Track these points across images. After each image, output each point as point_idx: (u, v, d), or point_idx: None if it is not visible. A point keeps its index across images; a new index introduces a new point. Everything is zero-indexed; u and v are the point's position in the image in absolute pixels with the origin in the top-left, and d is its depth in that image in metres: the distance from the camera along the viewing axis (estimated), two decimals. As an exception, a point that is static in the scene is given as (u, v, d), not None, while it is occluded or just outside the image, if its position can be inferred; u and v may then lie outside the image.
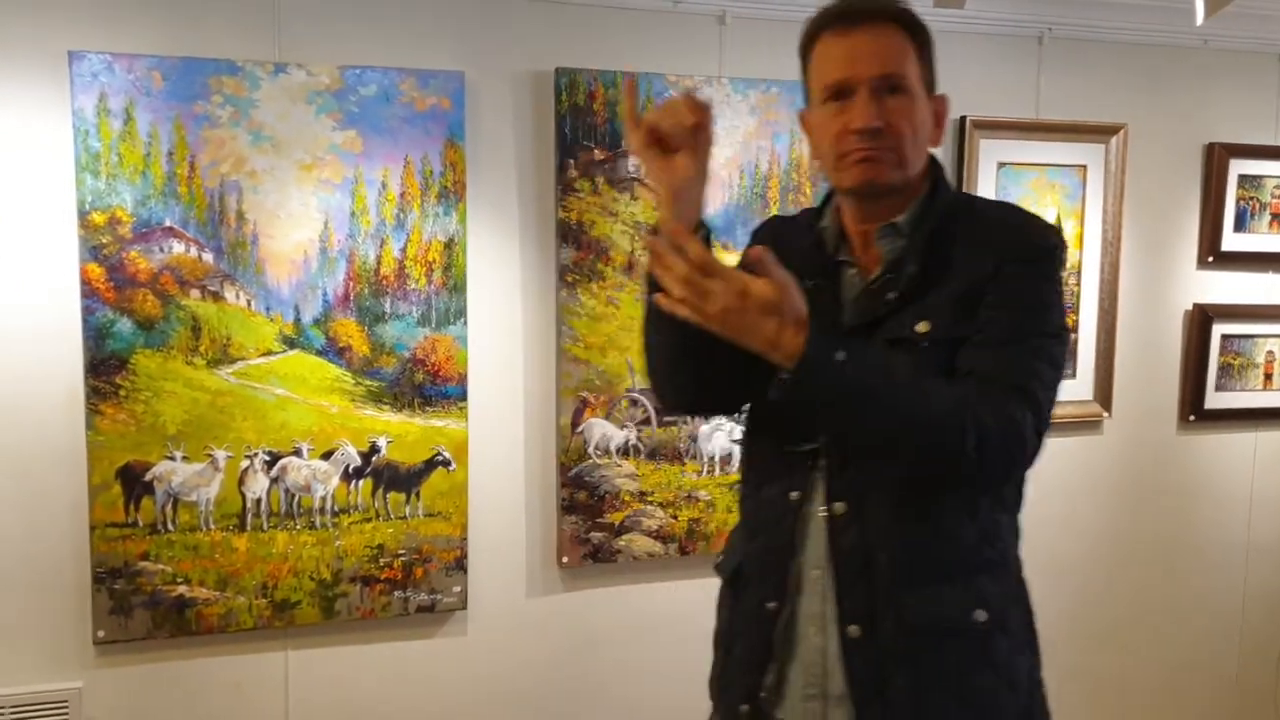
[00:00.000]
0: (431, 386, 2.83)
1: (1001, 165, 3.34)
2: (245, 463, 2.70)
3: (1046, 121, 3.37)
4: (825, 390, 1.39)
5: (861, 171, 1.53)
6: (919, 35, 1.57)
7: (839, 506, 1.55)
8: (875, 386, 1.41)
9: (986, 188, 3.32)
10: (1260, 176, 3.58)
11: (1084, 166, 3.42)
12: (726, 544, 1.86)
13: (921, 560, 1.53)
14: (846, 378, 1.39)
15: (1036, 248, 1.57)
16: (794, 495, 1.60)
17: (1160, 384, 3.61)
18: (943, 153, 3.38)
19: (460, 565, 2.88)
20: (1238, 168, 3.56)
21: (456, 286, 2.83)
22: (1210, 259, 3.58)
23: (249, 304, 2.68)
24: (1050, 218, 3.36)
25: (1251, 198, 3.59)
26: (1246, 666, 3.82)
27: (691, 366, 1.61)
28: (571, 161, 2.90)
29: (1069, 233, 3.43)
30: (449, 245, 2.81)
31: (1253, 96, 3.56)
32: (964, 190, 3.27)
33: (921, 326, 1.51)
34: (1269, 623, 3.82)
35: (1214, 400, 3.64)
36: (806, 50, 1.60)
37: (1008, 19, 3.32)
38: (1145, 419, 3.59)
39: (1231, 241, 3.57)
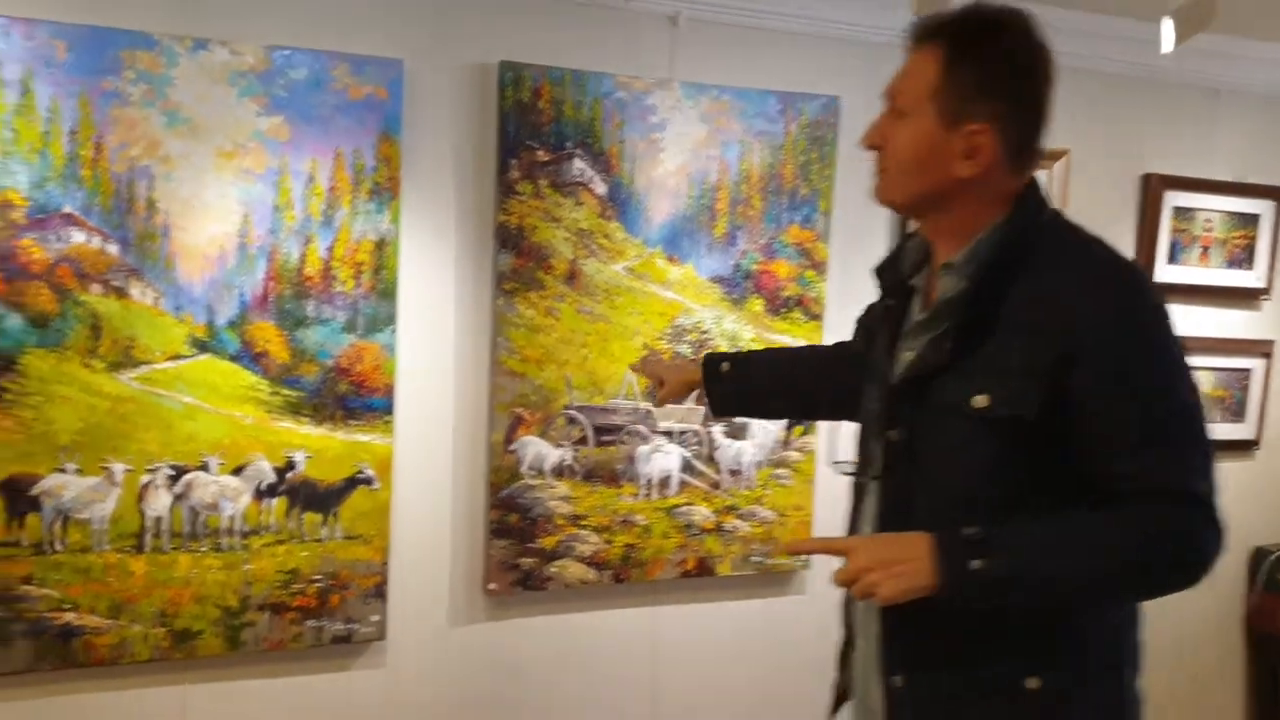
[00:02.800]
0: (355, 398, 2.61)
1: (947, 187, 3.27)
2: (146, 477, 2.44)
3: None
4: (984, 596, 1.36)
5: (873, 188, 1.56)
6: (955, 59, 1.44)
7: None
8: (1036, 566, 1.37)
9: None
10: (1193, 209, 3.59)
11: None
12: None
13: (972, 614, 1.41)
14: (1002, 575, 1.35)
15: (1127, 312, 1.40)
16: (850, 516, 1.68)
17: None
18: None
19: (379, 592, 2.66)
20: (1172, 199, 3.57)
21: (386, 291, 2.62)
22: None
23: (156, 302, 2.43)
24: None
25: (1183, 230, 3.61)
26: None
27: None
28: (514, 161, 2.72)
29: (1011, 258, 3.38)
30: (380, 246, 2.61)
31: (1188, 130, 3.57)
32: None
33: (980, 401, 1.41)
34: None
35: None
36: None
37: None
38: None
39: (1166, 273, 3.57)
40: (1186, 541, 1.35)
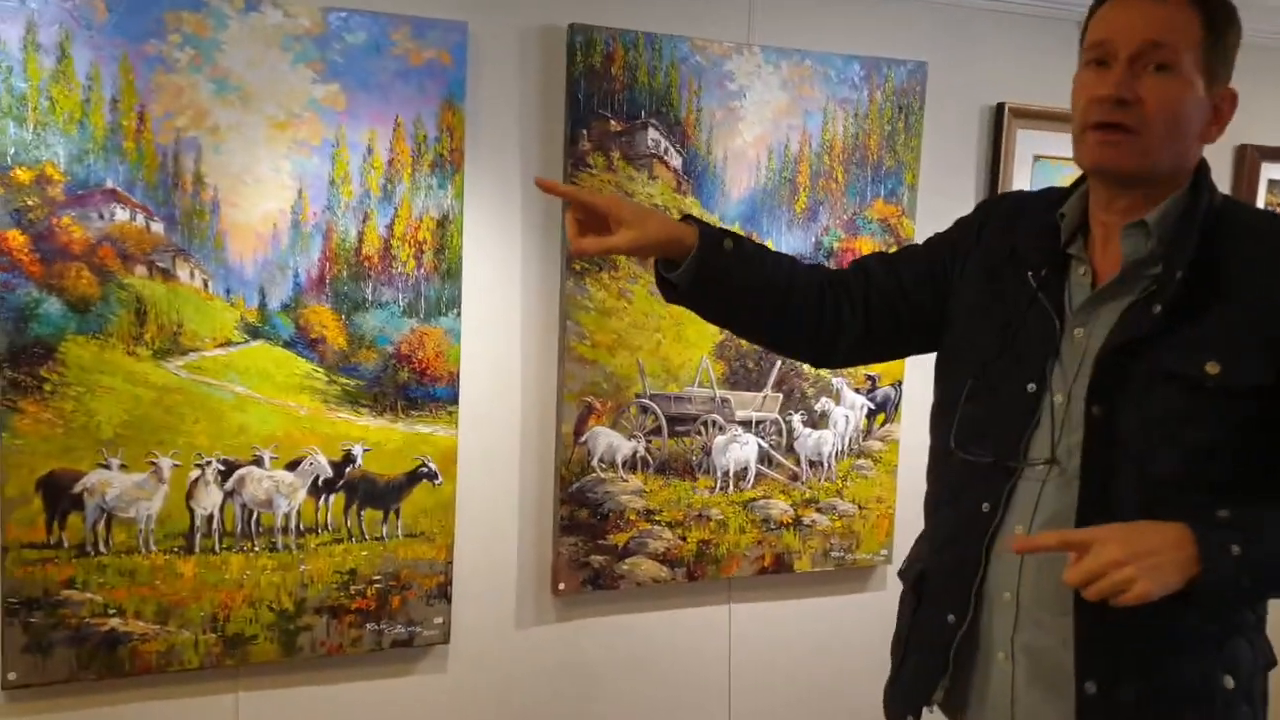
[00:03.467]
0: (417, 387, 2.43)
1: (1037, 158, 3.06)
2: (195, 473, 2.27)
3: (1085, 113, 3.10)
4: (1240, 584, 1.28)
5: (1098, 152, 1.37)
6: (1215, 15, 1.38)
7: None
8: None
9: (1021, 182, 3.03)
10: (1292, 181, 3.37)
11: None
12: (912, 552, 1.74)
13: (1177, 613, 1.33)
14: (1259, 560, 1.27)
15: None
16: (985, 507, 1.48)
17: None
18: (975, 142, 3.12)
19: (443, 593, 2.49)
20: (1268, 171, 3.35)
21: (450, 272, 2.43)
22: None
23: (205, 284, 2.25)
24: (1084, 217, 3.11)
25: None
26: None
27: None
28: (584, 132, 2.52)
29: (1103, 234, 3.17)
30: (442, 223, 2.42)
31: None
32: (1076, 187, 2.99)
33: (1212, 367, 1.33)
34: None
35: None
36: (1094, 8, 1.44)
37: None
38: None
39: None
40: None
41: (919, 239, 2.82)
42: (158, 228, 2.20)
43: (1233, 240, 1.38)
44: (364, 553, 2.42)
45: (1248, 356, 1.32)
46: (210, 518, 2.30)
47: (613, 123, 2.55)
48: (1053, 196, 1.56)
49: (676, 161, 2.62)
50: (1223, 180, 3.33)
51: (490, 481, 2.55)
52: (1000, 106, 2.98)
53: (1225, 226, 1.40)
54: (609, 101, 2.54)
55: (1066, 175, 3.09)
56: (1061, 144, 3.05)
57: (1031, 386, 1.45)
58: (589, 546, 2.62)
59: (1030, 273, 1.48)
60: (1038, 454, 1.44)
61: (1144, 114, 1.34)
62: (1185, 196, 1.41)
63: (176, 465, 2.25)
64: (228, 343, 2.27)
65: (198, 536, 2.29)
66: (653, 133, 2.59)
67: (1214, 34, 1.37)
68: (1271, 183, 3.36)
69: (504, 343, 2.55)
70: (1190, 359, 1.33)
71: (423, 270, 2.41)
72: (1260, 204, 3.34)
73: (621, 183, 2.57)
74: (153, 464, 2.23)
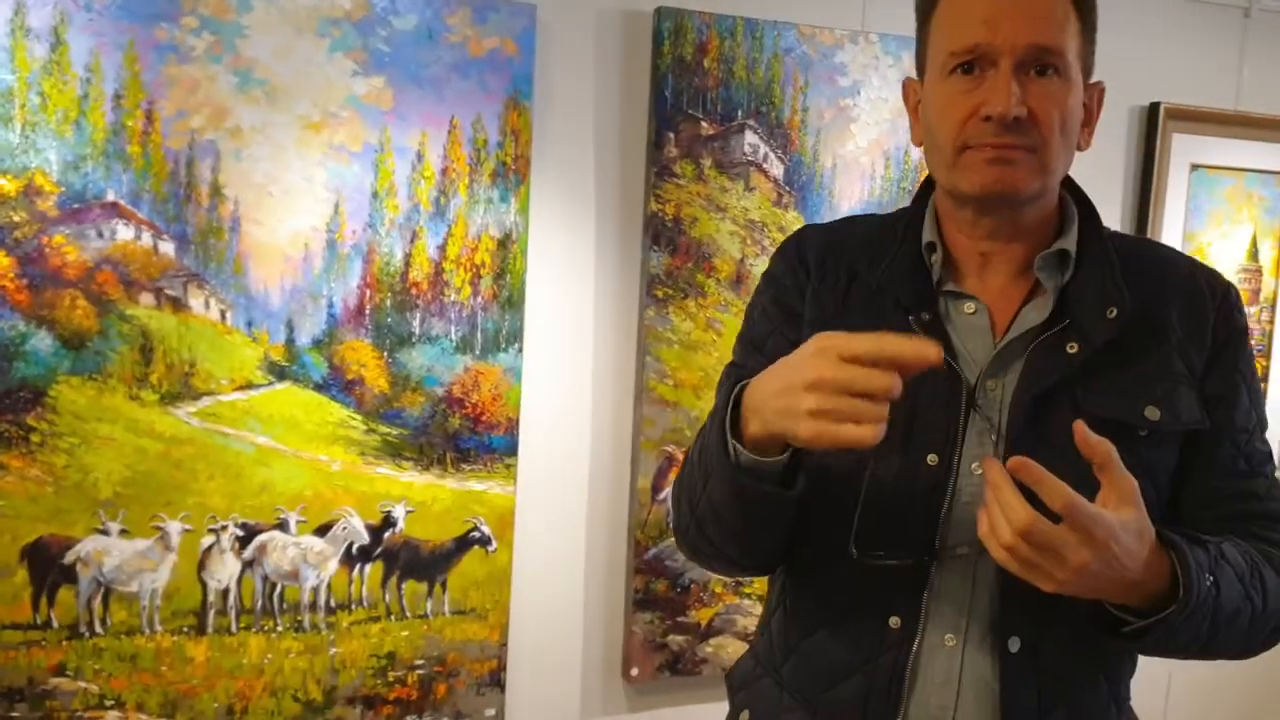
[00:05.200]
0: (470, 436, 2.06)
1: (1194, 168, 2.63)
2: (209, 539, 1.92)
3: (1248, 115, 2.66)
4: (1195, 626, 1.07)
5: (993, 176, 1.13)
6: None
7: (1014, 643, 1.15)
8: (1236, 597, 1.11)
9: (1176, 195, 2.60)
10: None
11: (1288, 174, 2.72)
12: (745, 696, 1.33)
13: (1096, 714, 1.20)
14: (1215, 600, 1.08)
15: (1240, 318, 1.25)
16: (894, 622, 1.18)
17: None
18: (1124, 148, 2.69)
19: (496, 680, 2.12)
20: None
21: (511, 300, 2.06)
22: None
23: (223, 316, 1.89)
24: (1245, 237, 2.67)
25: None
26: None
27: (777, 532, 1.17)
28: (671, 135, 2.14)
29: (1266, 257, 2.73)
30: (503, 243, 2.04)
31: None
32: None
33: (1151, 412, 1.15)
34: None
35: None
36: (929, 3, 1.20)
37: (1208, -18, 2.60)
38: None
39: None
40: None
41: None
42: (167, 248, 1.85)
43: (1149, 271, 1.21)
44: (404, 633, 2.05)
45: (1184, 399, 1.17)
46: (226, 592, 1.94)
47: (704, 124, 2.16)
48: (889, 221, 1.29)
49: (777, 170, 2.23)
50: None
51: (552, 548, 2.18)
52: (1154, 107, 2.55)
53: (1129, 256, 1.22)
54: (700, 100, 2.15)
55: (1228, 187, 2.67)
56: (1226, 152, 2.64)
57: (932, 459, 1.16)
58: (667, 625, 2.24)
59: (911, 317, 1.19)
60: (957, 540, 1.15)
61: (1039, 129, 1.12)
62: (1078, 221, 1.21)
63: (187, 530, 1.90)
64: (249, 385, 1.92)
65: (211, 614, 1.94)
66: (750, 136, 2.19)
67: (1087, 20, 1.17)
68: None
69: (572, 383, 2.17)
70: (1126, 404, 1.15)
71: (480, 299, 2.03)
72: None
73: (713, 194, 2.17)
74: (159, 529, 1.89)
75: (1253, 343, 1.54)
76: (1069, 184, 1.24)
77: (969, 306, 1.20)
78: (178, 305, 1.86)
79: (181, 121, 1.84)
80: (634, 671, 2.22)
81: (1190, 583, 1.05)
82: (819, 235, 1.32)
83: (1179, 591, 1.05)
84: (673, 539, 2.18)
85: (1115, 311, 1.15)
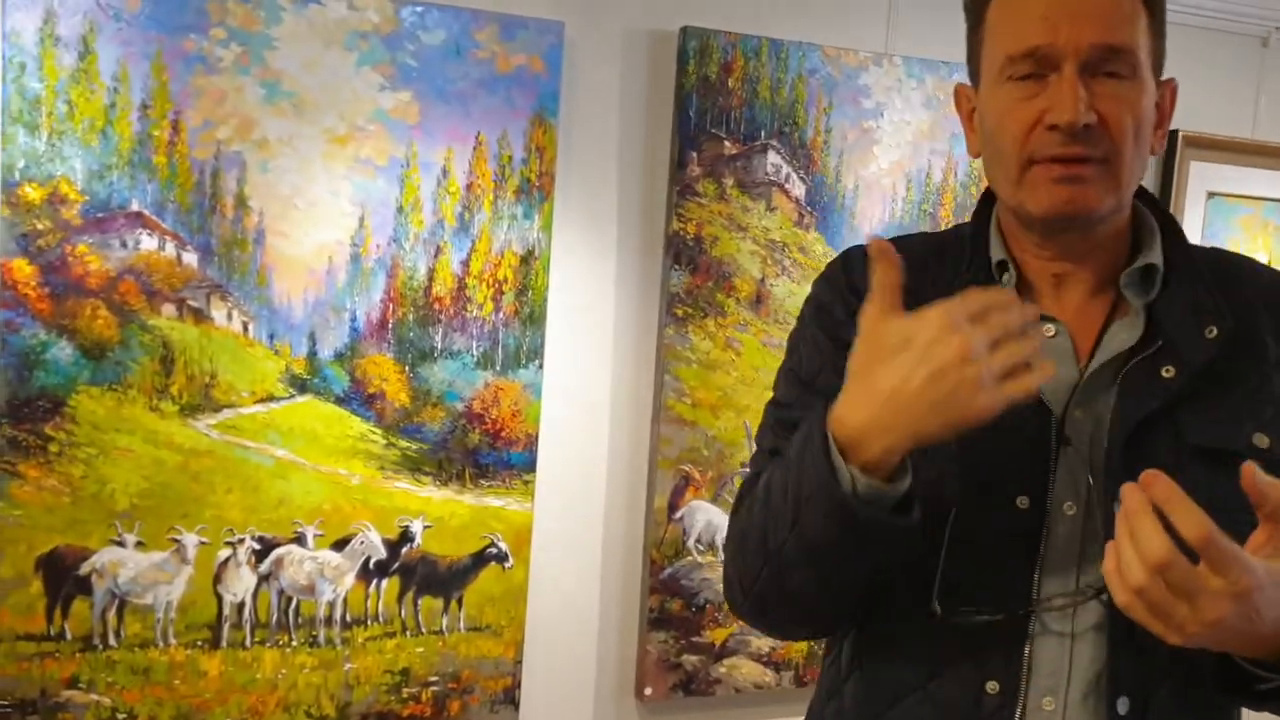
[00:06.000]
0: (490, 451, 2.05)
1: (1211, 195, 2.63)
2: (225, 552, 1.90)
3: (1265, 144, 2.66)
4: None
5: (1064, 196, 1.02)
6: None
7: (1123, 704, 1.03)
8: None
9: (1193, 223, 2.61)
10: None
11: (1304, 204, 2.73)
12: None
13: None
14: None
15: None
16: (991, 688, 1.05)
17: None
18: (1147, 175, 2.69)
19: (510, 698, 2.10)
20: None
21: (533, 316, 2.05)
22: None
23: (245, 328, 1.88)
24: (1260, 265, 2.67)
25: None
26: None
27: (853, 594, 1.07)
28: (694, 155, 2.13)
29: (1280, 285, 2.73)
30: (526, 260, 2.04)
31: None
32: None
33: (1261, 439, 1.04)
34: None
35: None
36: (981, 2, 1.10)
37: (1227, 10, 2.60)
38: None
39: None
40: None
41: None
42: (190, 259, 1.84)
43: (1229, 284, 1.10)
44: (420, 649, 2.04)
45: None
46: (241, 606, 1.93)
47: (727, 144, 2.16)
48: (948, 238, 1.20)
49: (799, 190, 2.23)
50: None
51: (568, 565, 2.16)
52: (1172, 134, 2.55)
53: (1216, 269, 1.11)
54: (724, 119, 2.15)
55: (1245, 216, 2.67)
56: (1243, 180, 2.64)
57: (1022, 501, 1.05)
58: (681, 644, 2.22)
59: None
60: (1054, 591, 1.04)
61: (1110, 137, 1.01)
62: (1167, 230, 1.12)
63: (203, 543, 1.89)
64: (269, 398, 1.91)
65: (226, 627, 1.92)
66: (773, 156, 2.19)
67: (1156, 14, 1.07)
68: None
69: (591, 400, 2.16)
70: (1232, 431, 1.04)
71: (501, 315, 2.03)
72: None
73: (735, 214, 2.17)
74: (175, 541, 1.87)
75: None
76: (1141, 193, 1.14)
77: (1048, 329, 1.09)
78: (200, 316, 1.85)
79: (208, 132, 1.83)
80: (648, 691, 2.21)
81: None
82: (905, 254, 1.14)
83: None
84: (689, 558, 2.19)
85: (1215, 331, 1.05)
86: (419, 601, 2.04)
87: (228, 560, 1.91)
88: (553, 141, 2.02)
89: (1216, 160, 2.60)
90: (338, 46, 1.88)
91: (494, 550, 2.07)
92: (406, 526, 2.01)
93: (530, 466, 2.08)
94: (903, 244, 1.11)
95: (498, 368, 2.04)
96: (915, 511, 0.97)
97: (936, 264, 1.14)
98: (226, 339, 1.87)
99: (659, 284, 2.17)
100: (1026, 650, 1.04)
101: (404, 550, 2.01)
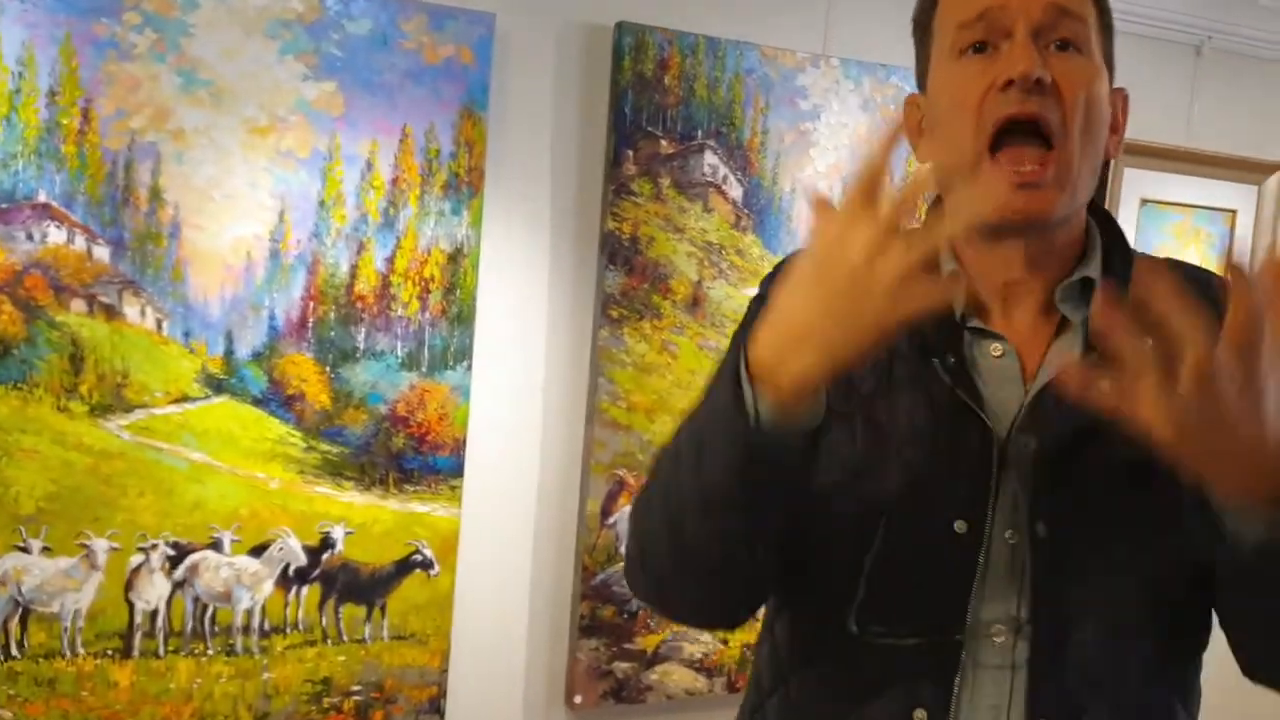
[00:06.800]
0: (414, 456, 1.99)
1: (1144, 202, 2.65)
2: (138, 558, 1.83)
3: (1198, 152, 2.68)
4: None
5: (1019, 200, 0.97)
6: None
7: None
8: None
9: (1126, 230, 2.61)
10: None
11: (1234, 212, 2.75)
12: None
13: None
14: None
15: None
16: (919, 715, 1.00)
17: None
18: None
19: (435, 707, 2.05)
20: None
21: (460, 316, 2.00)
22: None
23: (159, 326, 1.81)
24: (1192, 272, 2.69)
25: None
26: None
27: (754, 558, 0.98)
28: (630, 153, 2.09)
29: (1212, 292, 2.75)
30: (454, 258, 1.98)
31: None
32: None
33: None
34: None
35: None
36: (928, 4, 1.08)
37: (1161, 18, 2.62)
38: None
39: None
40: None
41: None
42: (102, 253, 1.77)
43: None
44: (341, 658, 1.98)
45: None
46: (154, 613, 1.85)
47: (664, 143, 2.12)
48: None
49: (736, 192, 2.20)
50: None
51: (496, 572, 2.11)
52: (1107, 141, 2.56)
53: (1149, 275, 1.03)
54: (660, 118, 2.11)
55: (1176, 223, 2.69)
56: (1175, 188, 2.66)
57: (960, 525, 1.00)
58: (612, 652, 2.18)
59: (936, 360, 1.02)
60: (991, 617, 1.00)
61: (1063, 105, 0.97)
62: (1113, 237, 1.09)
63: (114, 549, 1.81)
64: (184, 398, 1.84)
65: (138, 636, 1.85)
66: (710, 156, 2.16)
67: (1104, 14, 1.06)
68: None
69: (522, 403, 2.11)
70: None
71: (428, 314, 1.97)
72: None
73: (671, 214, 2.14)
74: (84, 546, 1.80)
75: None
76: (1094, 208, 1.10)
77: (995, 349, 1.05)
78: (111, 313, 1.78)
79: (121, 121, 1.76)
80: (578, 699, 2.16)
81: None
82: None
83: None
84: (621, 564, 2.14)
85: (1151, 342, 1.04)
86: (340, 609, 1.98)
87: (140, 566, 1.84)
88: (482, 136, 1.97)
89: (1150, 167, 2.62)
90: (258, 34, 1.81)
91: (419, 557, 2.01)
92: (327, 533, 1.95)
93: (457, 471, 2.03)
94: None
95: (424, 369, 1.99)
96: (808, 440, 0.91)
97: None
98: (139, 337, 1.80)
99: (593, 284, 2.13)
100: (957, 680, 1.00)
101: (325, 557, 1.95)
